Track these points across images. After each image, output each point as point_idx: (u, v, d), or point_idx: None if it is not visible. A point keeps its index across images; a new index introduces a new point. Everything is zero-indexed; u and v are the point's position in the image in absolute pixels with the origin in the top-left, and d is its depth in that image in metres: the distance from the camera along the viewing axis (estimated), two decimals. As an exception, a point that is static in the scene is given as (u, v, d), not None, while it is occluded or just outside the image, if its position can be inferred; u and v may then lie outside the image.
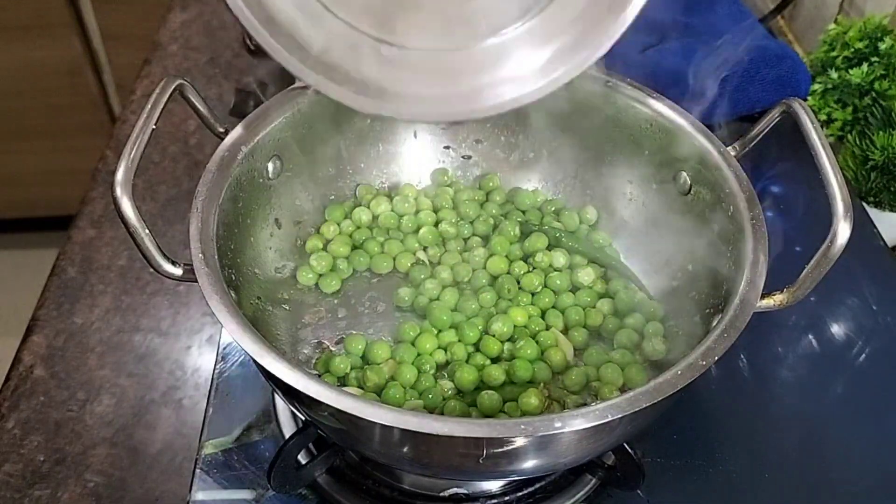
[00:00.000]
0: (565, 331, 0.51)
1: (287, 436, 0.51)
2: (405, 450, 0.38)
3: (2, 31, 1.34)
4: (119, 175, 0.38)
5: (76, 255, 0.65)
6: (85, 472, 0.52)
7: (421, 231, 0.56)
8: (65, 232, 0.68)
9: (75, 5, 1.34)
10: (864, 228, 0.68)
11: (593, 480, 0.50)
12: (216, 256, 0.41)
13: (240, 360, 0.56)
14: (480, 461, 0.37)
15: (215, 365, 0.55)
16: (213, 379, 0.55)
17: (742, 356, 0.58)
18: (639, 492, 0.49)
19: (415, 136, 0.57)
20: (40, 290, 0.63)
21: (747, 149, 0.49)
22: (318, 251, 0.54)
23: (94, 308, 0.62)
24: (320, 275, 0.54)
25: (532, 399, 0.46)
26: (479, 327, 0.51)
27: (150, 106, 0.41)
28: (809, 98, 0.77)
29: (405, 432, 0.35)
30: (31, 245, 1.67)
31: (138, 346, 0.59)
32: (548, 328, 0.51)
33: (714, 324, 0.43)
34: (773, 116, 0.48)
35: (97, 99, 1.44)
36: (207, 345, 0.59)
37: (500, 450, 0.37)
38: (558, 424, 0.34)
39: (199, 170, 0.45)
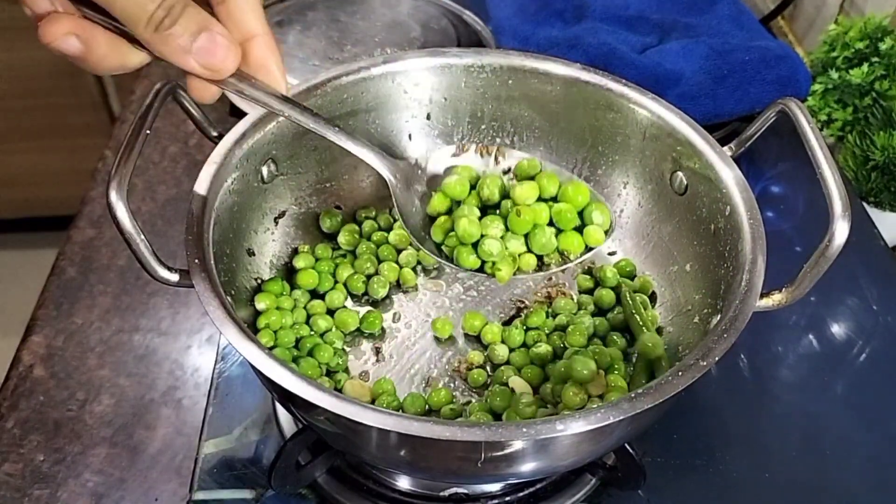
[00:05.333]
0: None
1: (287, 435, 0.51)
2: (402, 453, 0.38)
3: (2, 31, 1.34)
4: (112, 182, 0.38)
5: (76, 255, 0.65)
6: (84, 472, 0.52)
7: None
8: (65, 232, 0.68)
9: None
10: (864, 228, 0.68)
11: (594, 480, 0.50)
12: (212, 261, 0.41)
13: (239, 359, 0.56)
14: (479, 465, 0.37)
15: (215, 364, 0.55)
16: (212, 378, 0.55)
17: (742, 356, 0.58)
18: (639, 492, 0.49)
19: (409, 138, 0.57)
20: (40, 290, 0.63)
21: (744, 148, 0.49)
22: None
23: (94, 308, 0.62)
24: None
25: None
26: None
27: (142, 111, 0.41)
28: (810, 98, 0.77)
29: (402, 436, 0.35)
30: (31, 245, 1.67)
31: (138, 345, 0.59)
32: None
33: (713, 324, 0.43)
34: (769, 116, 0.47)
35: (97, 99, 1.44)
36: (207, 344, 0.59)
37: (499, 453, 0.37)
38: (560, 427, 0.34)
39: (198, 170, 0.45)
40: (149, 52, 0.34)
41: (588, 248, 0.48)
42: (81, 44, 0.33)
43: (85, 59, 0.34)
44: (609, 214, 0.48)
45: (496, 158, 0.48)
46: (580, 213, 0.48)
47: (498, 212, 0.48)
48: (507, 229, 0.47)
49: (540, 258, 0.48)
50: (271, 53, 0.38)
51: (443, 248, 0.48)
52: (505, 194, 0.48)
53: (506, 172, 0.49)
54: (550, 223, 0.48)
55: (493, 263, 0.46)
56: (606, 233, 0.48)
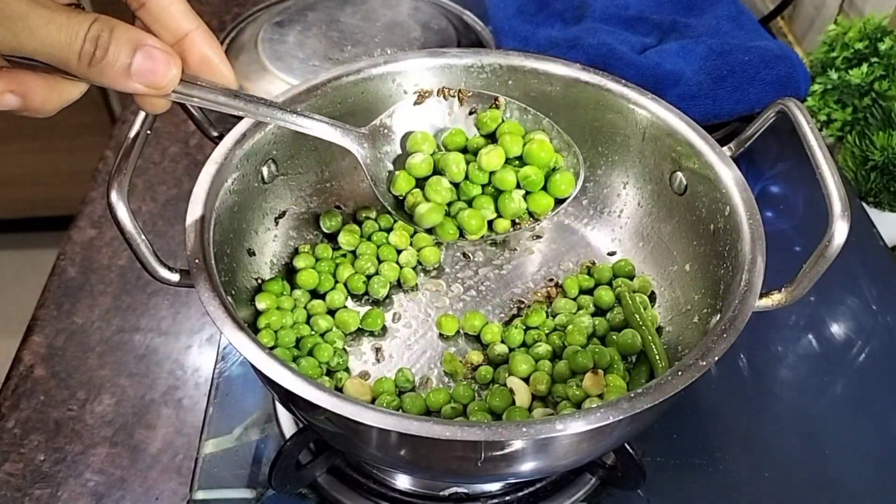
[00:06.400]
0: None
1: (287, 435, 0.51)
2: (402, 453, 0.38)
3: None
4: (113, 182, 0.38)
5: (76, 255, 0.66)
6: (85, 472, 0.52)
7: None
8: (65, 232, 0.68)
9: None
10: (863, 228, 0.68)
11: (593, 480, 0.50)
12: (213, 261, 0.41)
13: (240, 359, 0.56)
14: (479, 464, 0.37)
15: (215, 364, 0.56)
16: (213, 378, 0.55)
17: (742, 356, 0.58)
18: (639, 491, 0.50)
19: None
20: (40, 290, 0.63)
21: (743, 149, 0.49)
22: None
23: (95, 308, 0.62)
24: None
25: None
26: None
27: (143, 112, 0.41)
28: (809, 98, 0.77)
29: (402, 436, 0.35)
30: (31, 245, 1.67)
31: (138, 345, 0.59)
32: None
33: (713, 324, 0.43)
34: (769, 116, 0.48)
35: (97, 99, 1.44)
36: (207, 344, 0.59)
37: (499, 453, 0.37)
38: (559, 427, 0.35)
39: (199, 170, 0.46)
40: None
41: (559, 202, 0.47)
42: (18, 97, 0.33)
43: (26, 109, 0.33)
44: (576, 163, 0.46)
45: (459, 100, 0.48)
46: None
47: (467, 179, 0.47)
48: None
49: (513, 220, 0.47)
50: (209, 46, 0.36)
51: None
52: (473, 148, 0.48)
53: (471, 113, 0.48)
54: (518, 185, 0.47)
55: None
56: (576, 179, 0.47)
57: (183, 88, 0.36)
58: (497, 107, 0.47)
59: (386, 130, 0.47)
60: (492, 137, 0.48)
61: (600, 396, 0.45)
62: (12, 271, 1.64)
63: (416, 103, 0.47)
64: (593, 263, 0.56)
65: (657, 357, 0.47)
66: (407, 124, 0.47)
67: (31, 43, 0.31)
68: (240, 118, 0.49)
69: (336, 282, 0.54)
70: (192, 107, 0.48)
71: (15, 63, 0.32)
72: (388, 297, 0.55)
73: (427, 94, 0.47)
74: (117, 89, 0.33)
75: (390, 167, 0.47)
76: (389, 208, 0.46)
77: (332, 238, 0.57)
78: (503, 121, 0.47)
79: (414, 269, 0.56)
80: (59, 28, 0.31)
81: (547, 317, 0.53)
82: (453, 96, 0.47)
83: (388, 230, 0.57)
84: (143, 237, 0.39)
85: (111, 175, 0.39)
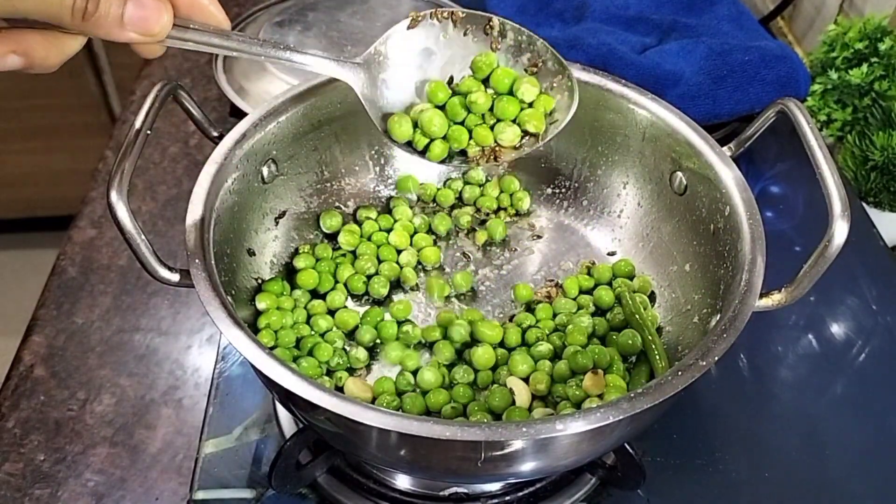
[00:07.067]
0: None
1: (287, 435, 0.51)
2: (402, 453, 0.38)
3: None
4: (113, 182, 0.38)
5: (76, 255, 0.66)
6: (85, 472, 0.52)
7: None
8: (65, 232, 0.68)
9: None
10: (863, 228, 0.68)
11: (593, 480, 0.50)
12: (213, 261, 0.41)
13: (240, 359, 0.56)
14: (479, 464, 0.37)
15: (215, 364, 0.56)
16: (213, 378, 0.55)
17: (742, 356, 0.58)
18: (639, 491, 0.50)
19: None
20: (40, 290, 0.63)
21: (743, 149, 0.49)
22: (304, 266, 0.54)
23: (95, 308, 0.62)
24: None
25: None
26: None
27: (143, 112, 0.41)
28: (809, 98, 0.77)
29: (403, 436, 0.35)
30: (31, 245, 1.67)
31: (138, 345, 0.59)
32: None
33: (713, 324, 0.43)
34: (769, 117, 0.48)
35: (97, 99, 1.44)
36: (207, 344, 0.59)
37: (499, 453, 0.37)
38: (559, 427, 0.35)
39: (199, 170, 0.46)
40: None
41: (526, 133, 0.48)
42: (20, 56, 0.33)
43: (29, 67, 0.34)
44: (570, 85, 0.46)
45: (453, 21, 0.47)
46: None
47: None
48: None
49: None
50: None
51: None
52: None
53: (465, 34, 0.47)
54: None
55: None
56: (570, 104, 0.47)
57: (176, 33, 0.36)
58: (491, 27, 0.47)
59: (381, 58, 0.46)
60: (486, 81, 0.48)
61: (600, 396, 0.45)
62: (12, 271, 1.64)
63: (409, 27, 0.46)
64: (593, 263, 0.56)
65: (657, 357, 0.47)
66: (402, 49, 0.47)
67: (25, 4, 0.31)
68: (240, 118, 0.49)
69: (336, 282, 0.54)
70: (193, 106, 0.48)
71: (13, 23, 0.33)
72: (388, 297, 0.55)
73: (420, 18, 0.47)
74: (112, 40, 0.34)
75: (387, 97, 0.47)
76: (392, 140, 0.47)
77: (332, 238, 0.57)
78: (498, 66, 0.47)
79: (414, 268, 0.56)
80: None
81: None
82: (446, 18, 0.47)
83: (388, 230, 0.57)
84: (143, 237, 0.39)
85: (111, 175, 0.39)
